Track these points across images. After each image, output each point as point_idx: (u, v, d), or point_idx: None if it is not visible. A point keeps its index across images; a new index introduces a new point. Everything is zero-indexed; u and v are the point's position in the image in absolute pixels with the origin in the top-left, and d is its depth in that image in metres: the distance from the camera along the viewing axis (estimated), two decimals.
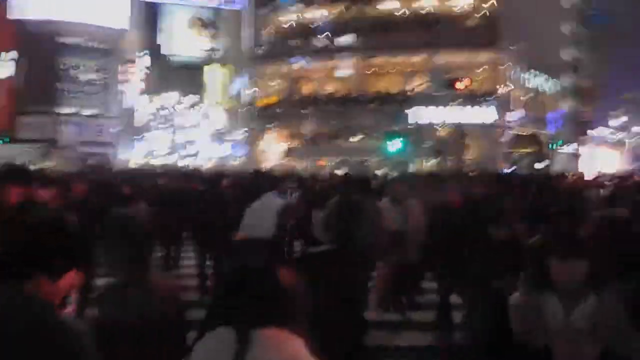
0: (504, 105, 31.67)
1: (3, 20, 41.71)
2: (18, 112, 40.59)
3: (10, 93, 41.12)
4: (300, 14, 37.86)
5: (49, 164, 33.08)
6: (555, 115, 37.20)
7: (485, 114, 30.61)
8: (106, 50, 44.67)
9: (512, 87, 32.85)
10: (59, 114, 41.02)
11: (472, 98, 31.00)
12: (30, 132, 39.94)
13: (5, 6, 42.01)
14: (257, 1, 41.53)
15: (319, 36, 36.31)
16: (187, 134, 47.27)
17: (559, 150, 31.59)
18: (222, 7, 57.20)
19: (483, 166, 27.83)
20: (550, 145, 24.62)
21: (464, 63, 32.35)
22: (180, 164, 41.65)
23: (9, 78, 41.58)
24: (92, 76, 44.14)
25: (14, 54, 41.18)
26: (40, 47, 40.10)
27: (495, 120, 30.97)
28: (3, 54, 41.81)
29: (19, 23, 41.06)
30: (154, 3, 57.49)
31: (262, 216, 6.01)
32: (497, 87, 31.93)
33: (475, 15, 33.57)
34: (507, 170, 28.05)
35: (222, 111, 49.74)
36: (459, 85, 21.91)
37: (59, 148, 37.93)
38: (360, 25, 34.75)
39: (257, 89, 39.88)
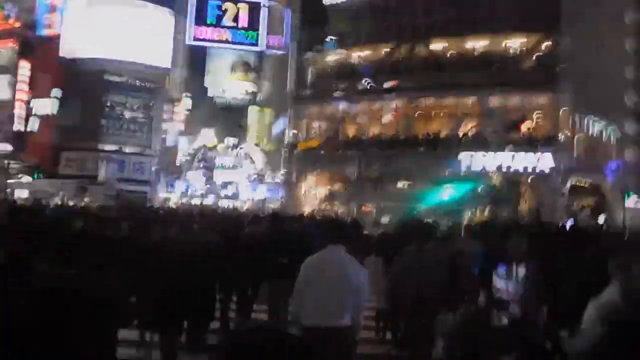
0: (562, 152, 29.48)
1: (53, 59, 42.53)
2: (61, 147, 40.70)
3: (52, 129, 41.38)
4: (345, 56, 37.03)
5: (85, 200, 32.51)
6: (616, 165, 34.60)
7: (542, 161, 28.46)
8: (151, 89, 44.86)
9: (571, 132, 30.72)
10: (100, 151, 40.93)
11: (529, 144, 28.97)
12: (71, 167, 39.86)
13: (57, 45, 42.87)
14: (301, 44, 41.06)
15: (364, 78, 35.28)
16: (226, 175, 46.52)
17: (628, 204, 29.02)
18: (267, 52, 57.49)
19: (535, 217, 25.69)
20: (625, 196, 22.41)
21: (519, 106, 30.55)
22: (219, 204, 40.70)
23: (52, 115, 41.98)
24: (136, 114, 44.20)
25: (58, 91, 41.68)
26: (87, 85, 40.45)
27: (552, 168, 28.77)
28: (54, 90, 42.43)
29: (68, 61, 41.70)
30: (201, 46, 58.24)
31: (331, 276, 4.47)
32: (555, 132, 29.85)
33: (531, 56, 31.91)
34: (568, 223, 25.73)
35: (263, 153, 49.01)
36: (523, 127, 20.02)
37: (98, 184, 37.54)
38: (407, 66, 33.55)
39: (299, 131, 38.98)
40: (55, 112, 42.04)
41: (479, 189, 28.34)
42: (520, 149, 28.67)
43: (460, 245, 8.07)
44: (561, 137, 29.86)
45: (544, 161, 28.33)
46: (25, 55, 45.46)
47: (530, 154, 28.43)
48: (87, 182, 37.20)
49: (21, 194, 35.38)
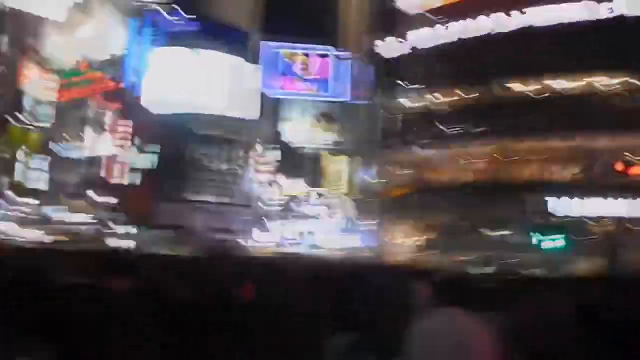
0: None
1: (149, 116, 45.08)
2: (159, 200, 42.54)
3: (150, 183, 43.41)
4: (428, 101, 36.68)
5: (180, 251, 33.48)
6: None
7: None
8: (238, 141, 46.28)
9: None
10: (195, 202, 42.35)
11: (634, 187, 27.12)
12: (168, 219, 41.43)
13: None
14: (382, 92, 41.25)
15: (451, 123, 34.74)
16: (313, 224, 46.71)
17: None
18: (347, 101, 58.23)
19: None
20: None
21: (620, 147, 28.83)
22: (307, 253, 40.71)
23: (150, 169, 44.17)
24: (224, 166, 45.60)
25: (152, 146, 43.98)
26: (181, 138, 42.35)
27: None
28: (150, 146, 44.77)
29: (161, 116, 44.05)
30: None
31: (454, 349, 3.83)
32: None
33: (630, 94, 30.27)
34: None
35: (349, 202, 48.98)
36: (635, 169, 18.72)
37: (190, 235, 38.65)
38: (496, 109, 32.69)
39: (386, 179, 38.70)
40: (152, 166, 44.20)
41: (590, 238, 26.65)
42: (625, 193, 26.88)
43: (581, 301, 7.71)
44: None
45: None
46: (124, 115, 48.51)
47: (638, 199, 26.54)
48: (182, 233, 38.45)
49: (123, 245, 37.03)
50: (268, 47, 55.78)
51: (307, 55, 57.69)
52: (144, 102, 46.31)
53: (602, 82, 30.44)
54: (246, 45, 48.26)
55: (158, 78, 46.20)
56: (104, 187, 45.05)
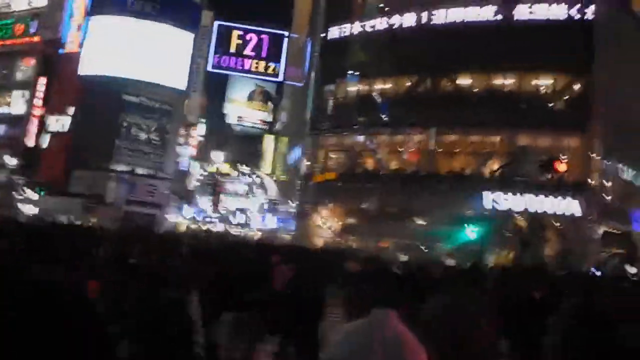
0: (593, 197, 28.06)
1: (72, 77, 42.11)
2: (73, 165, 39.89)
3: (64, 147, 40.63)
4: (366, 88, 36.16)
5: (92, 220, 31.43)
6: None
7: (571, 206, 27.03)
8: (167, 112, 44.15)
9: (603, 178, 29.32)
10: (111, 171, 40.00)
11: (558, 187, 27.48)
12: (81, 186, 38.92)
13: (77, 63, 42.49)
14: (321, 75, 40.36)
15: (385, 111, 34.33)
16: (238, 202, 45.44)
17: None
18: (286, 82, 57.18)
19: (563, 263, 24.20)
20: None
21: (548, 147, 29.24)
22: (230, 232, 39.47)
23: (66, 132, 41.30)
24: (151, 136, 43.40)
25: (72, 109, 41.13)
26: (104, 104, 39.74)
27: (581, 214, 27.33)
28: (69, 108, 41.93)
29: (87, 80, 41.20)
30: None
31: None
32: (586, 176, 28.47)
33: (562, 97, 30.77)
34: (596, 272, 24.14)
35: (277, 182, 48.00)
36: (560, 167, 18.84)
37: (105, 205, 36.47)
38: (430, 100, 32.54)
39: (315, 162, 37.95)
40: (68, 129, 41.38)
41: (504, 231, 26.91)
42: (548, 192, 27.26)
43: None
44: (592, 182, 28.45)
45: (574, 206, 26.90)
46: (45, 72, 45.23)
47: (559, 198, 26.99)
48: (94, 201, 36.15)
49: (27, 210, 34.45)
50: (215, 22, 53.95)
51: (259, 35, 56.16)
52: (69, 61, 43.27)
53: (531, 80, 30.82)
54: (192, 18, 46.00)
55: (87, 38, 43.21)
56: (14, 147, 41.89)
